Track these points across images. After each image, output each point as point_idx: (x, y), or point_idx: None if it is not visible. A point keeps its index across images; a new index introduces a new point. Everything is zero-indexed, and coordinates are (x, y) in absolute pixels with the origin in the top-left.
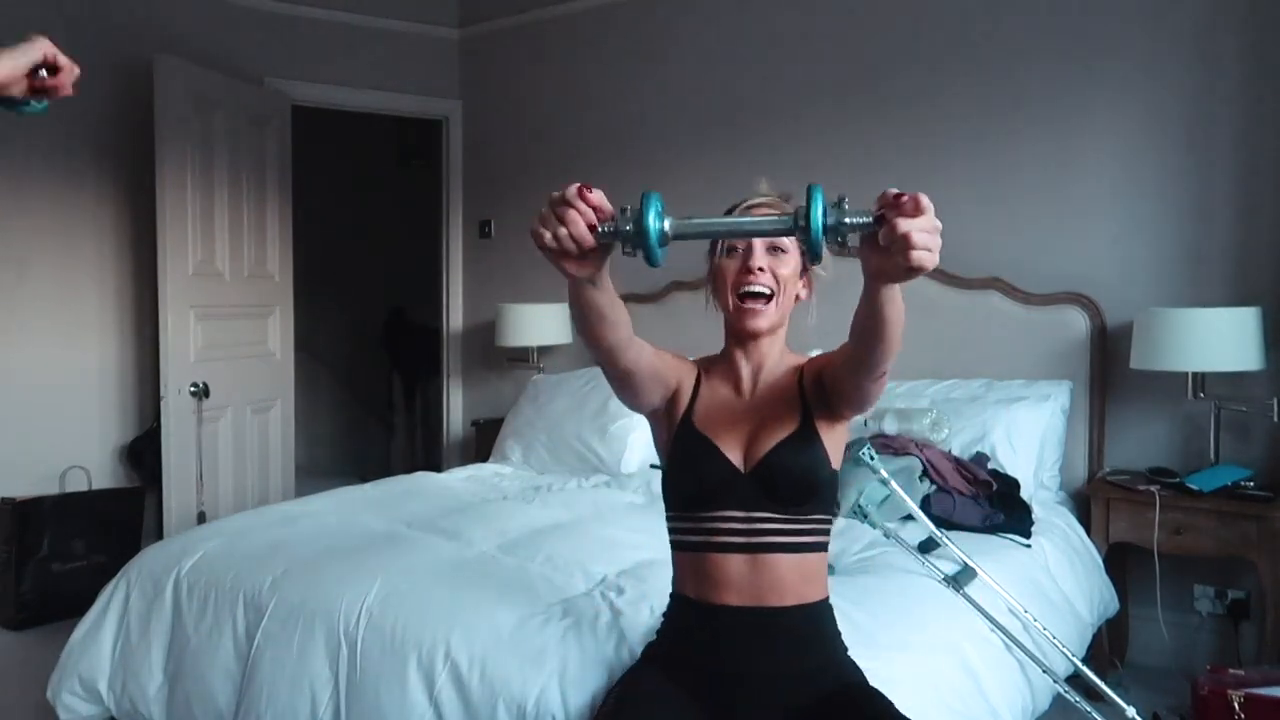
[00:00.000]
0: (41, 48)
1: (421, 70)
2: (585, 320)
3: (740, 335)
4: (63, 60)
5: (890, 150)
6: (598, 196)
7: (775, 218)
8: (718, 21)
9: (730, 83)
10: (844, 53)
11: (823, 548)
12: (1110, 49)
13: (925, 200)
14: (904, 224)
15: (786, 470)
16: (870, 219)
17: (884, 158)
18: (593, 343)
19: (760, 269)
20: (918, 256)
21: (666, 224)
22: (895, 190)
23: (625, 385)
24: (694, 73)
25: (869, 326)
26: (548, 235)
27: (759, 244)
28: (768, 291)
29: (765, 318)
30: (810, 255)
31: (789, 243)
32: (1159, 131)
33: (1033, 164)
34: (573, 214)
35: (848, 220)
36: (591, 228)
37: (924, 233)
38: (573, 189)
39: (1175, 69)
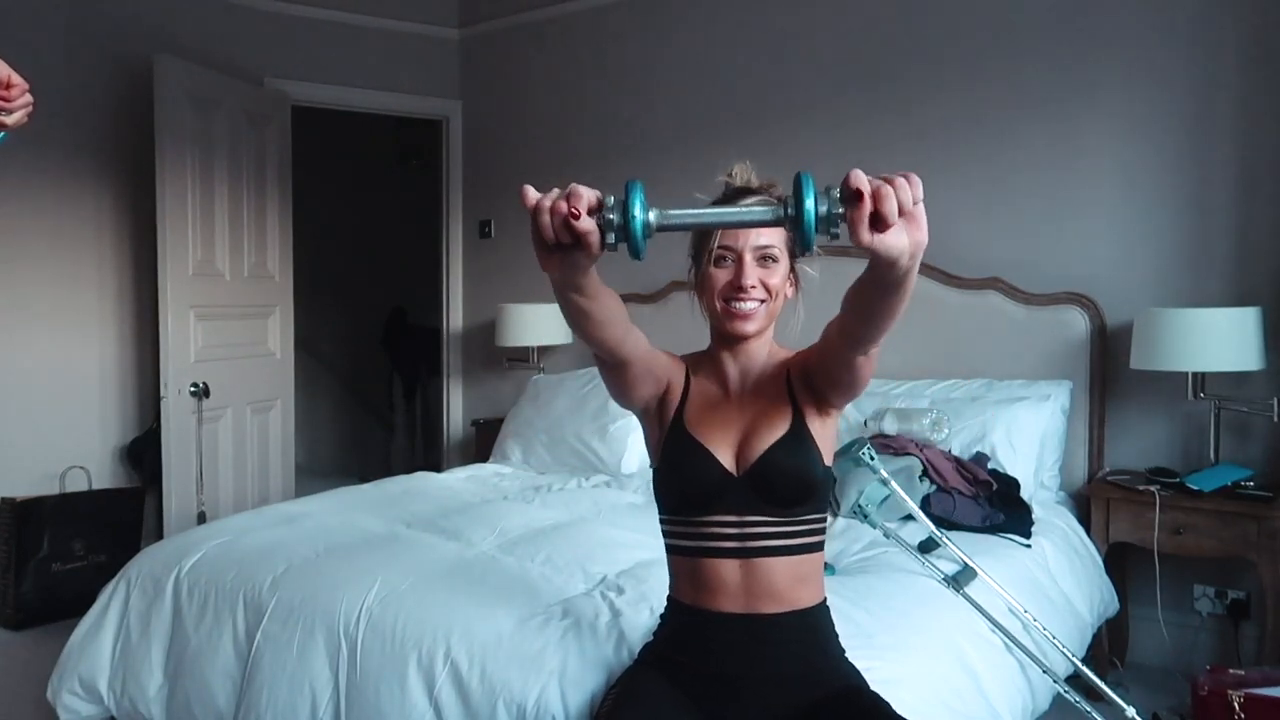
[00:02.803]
0: None
1: (421, 70)
2: (576, 323)
3: (727, 338)
4: (16, 79)
5: (890, 148)
6: (593, 195)
7: (763, 208)
8: (717, 21)
9: (729, 81)
10: (844, 52)
11: (817, 548)
12: (1110, 49)
13: (865, 181)
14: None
15: (781, 472)
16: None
17: (884, 156)
18: (588, 340)
19: (752, 286)
20: (887, 241)
21: (651, 215)
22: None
23: (620, 376)
24: (693, 72)
25: (874, 299)
26: (546, 198)
27: (749, 257)
28: (759, 305)
29: (754, 322)
30: (802, 245)
31: (779, 250)
32: (1159, 131)
33: (1033, 164)
34: (574, 195)
35: (841, 209)
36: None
37: (889, 204)
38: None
39: (1175, 69)
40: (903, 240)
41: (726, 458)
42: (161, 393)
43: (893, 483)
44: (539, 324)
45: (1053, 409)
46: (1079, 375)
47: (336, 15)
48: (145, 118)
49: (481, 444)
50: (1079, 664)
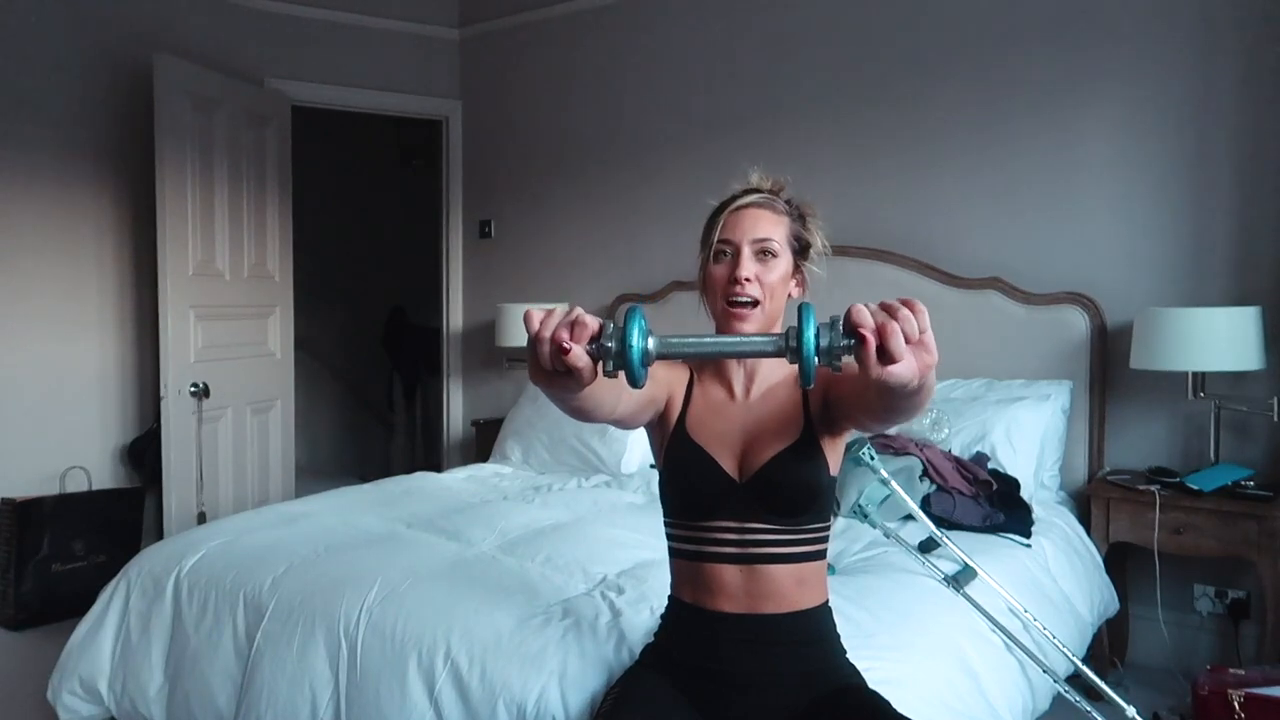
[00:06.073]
0: None
1: (421, 70)
2: (565, 412)
3: None
4: None
5: (890, 149)
6: (595, 324)
7: (765, 338)
8: (717, 21)
9: (729, 82)
10: (843, 53)
11: (820, 555)
12: (1110, 49)
13: (865, 311)
14: (873, 342)
15: (786, 481)
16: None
17: (883, 157)
18: (578, 420)
19: (748, 279)
20: (896, 371)
21: (650, 343)
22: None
23: (617, 426)
24: (693, 72)
25: (895, 401)
26: (547, 327)
27: (747, 250)
28: (755, 300)
29: (752, 322)
30: (802, 379)
31: (779, 244)
32: (1159, 131)
33: (1033, 164)
34: (577, 323)
35: (843, 343)
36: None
37: (897, 338)
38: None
39: (1175, 69)
40: (911, 368)
41: (729, 464)
42: (161, 393)
43: (893, 483)
44: None
45: (1053, 409)
46: (1079, 375)
47: (336, 15)
48: (145, 118)
49: (481, 444)
50: (1079, 664)
